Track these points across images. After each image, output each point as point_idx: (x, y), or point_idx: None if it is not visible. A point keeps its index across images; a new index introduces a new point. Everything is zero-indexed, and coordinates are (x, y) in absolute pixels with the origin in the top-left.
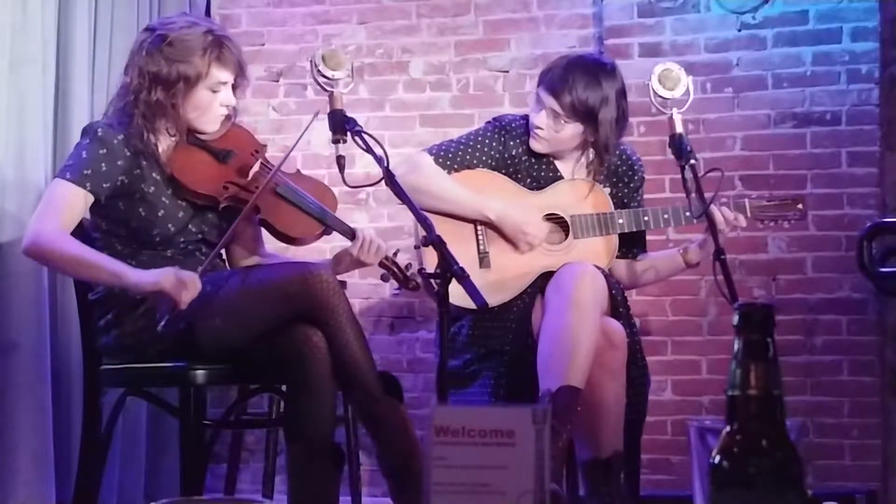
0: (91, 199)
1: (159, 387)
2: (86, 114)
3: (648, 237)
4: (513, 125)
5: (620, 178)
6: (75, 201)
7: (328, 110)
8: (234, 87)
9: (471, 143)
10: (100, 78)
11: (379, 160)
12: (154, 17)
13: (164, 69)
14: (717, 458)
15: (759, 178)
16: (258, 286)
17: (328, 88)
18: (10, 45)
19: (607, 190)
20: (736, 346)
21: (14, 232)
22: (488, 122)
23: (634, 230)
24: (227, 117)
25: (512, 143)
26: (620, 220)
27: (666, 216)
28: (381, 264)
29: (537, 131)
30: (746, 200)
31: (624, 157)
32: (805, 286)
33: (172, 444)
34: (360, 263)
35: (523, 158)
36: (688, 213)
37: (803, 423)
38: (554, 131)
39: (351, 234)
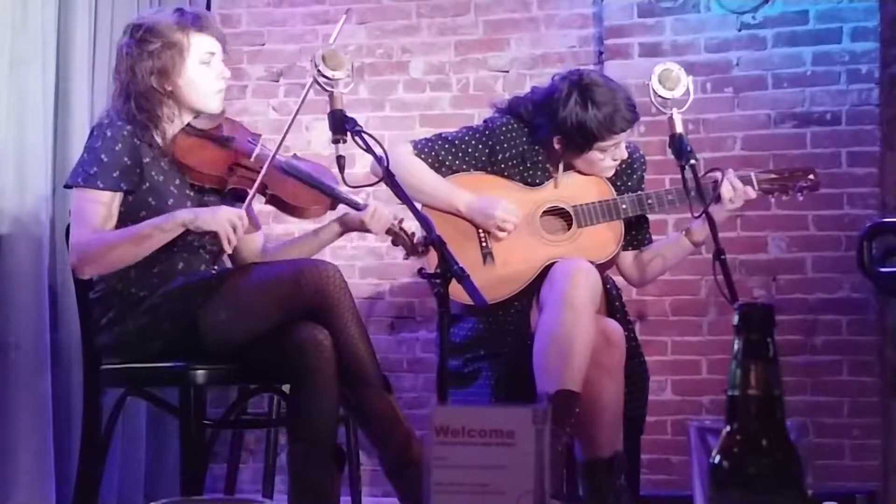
0: (120, 196)
1: (159, 387)
2: (86, 114)
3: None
4: (503, 129)
5: (619, 176)
6: (105, 202)
7: (328, 110)
8: None
9: (455, 143)
10: (100, 78)
11: (379, 160)
12: None
13: (146, 55)
14: (717, 458)
15: None
16: (264, 281)
17: (328, 88)
18: (10, 45)
19: None
20: (736, 346)
21: (14, 232)
22: (481, 124)
23: (639, 213)
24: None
25: (498, 147)
26: (624, 206)
27: (670, 197)
28: (388, 231)
29: (617, 160)
30: (752, 174)
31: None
32: (805, 286)
33: (172, 444)
34: (366, 229)
35: (511, 163)
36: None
37: (803, 423)
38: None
39: (357, 205)
